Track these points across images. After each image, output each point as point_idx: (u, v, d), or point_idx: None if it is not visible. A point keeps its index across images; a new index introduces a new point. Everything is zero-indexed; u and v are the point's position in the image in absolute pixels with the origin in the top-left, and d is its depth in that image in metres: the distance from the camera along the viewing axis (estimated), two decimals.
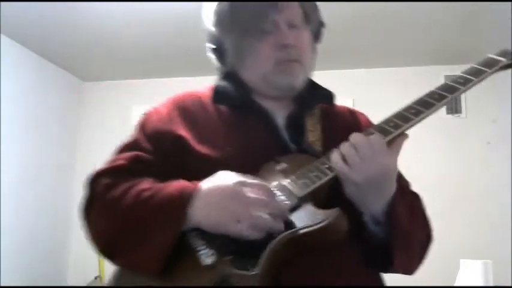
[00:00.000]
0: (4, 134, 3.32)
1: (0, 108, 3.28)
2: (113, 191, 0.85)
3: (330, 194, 0.83)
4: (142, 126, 0.97)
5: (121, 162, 0.91)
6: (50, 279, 3.70)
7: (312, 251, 0.75)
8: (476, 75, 0.89)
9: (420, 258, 0.94)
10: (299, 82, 0.99)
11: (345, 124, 0.86)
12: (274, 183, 0.82)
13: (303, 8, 0.99)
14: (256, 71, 0.99)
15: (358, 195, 0.81)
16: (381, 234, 0.85)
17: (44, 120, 3.79)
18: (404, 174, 1.00)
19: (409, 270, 0.93)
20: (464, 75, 0.90)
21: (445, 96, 0.86)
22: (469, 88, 0.88)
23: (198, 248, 0.74)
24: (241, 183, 0.77)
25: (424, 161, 3.25)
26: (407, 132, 0.85)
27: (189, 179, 0.83)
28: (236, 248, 0.73)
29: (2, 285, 3.15)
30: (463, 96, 3.67)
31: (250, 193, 0.76)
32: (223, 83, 1.02)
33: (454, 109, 3.58)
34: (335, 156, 0.81)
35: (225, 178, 0.79)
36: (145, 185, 0.84)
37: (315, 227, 0.71)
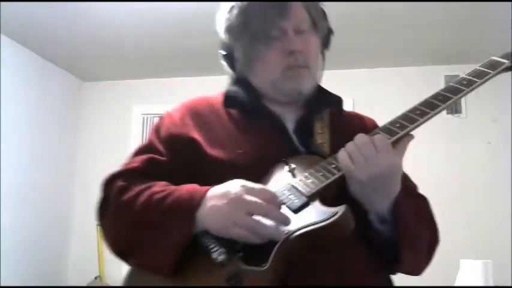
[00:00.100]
0: (4, 134, 3.32)
1: (0, 108, 3.28)
2: (126, 193, 0.88)
3: (337, 194, 0.84)
4: (156, 130, 1.01)
5: (135, 164, 0.94)
6: (50, 279, 3.70)
7: (320, 247, 0.76)
8: (480, 76, 0.91)
9: (427, 259, 0.95)
10: (307, 87, 1.01)
11: (352, 128, 0.88)
12: (283, 183, 0.84)
13: (310, 15, 1.01)
14: (265, 77, 1.02)
15: (363, 193, 0.83)
16: (387, 232, 0.86)
17: (44, 120, 3.79)
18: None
19: (417, 270, 0.94)
20: (468, 76, 0.91)
21: (450, 98, 0.88)
22: (472, 89, 0.90)
23: (210, 247, 0.76)
24: (244, 189, 0.79)
25: (424, 161, 3.25)
26: (412, 133, 0.86)
27: (201, 181, 0.86)
28: (246, 246, 0.75)
29: (2, 285, 3.15)
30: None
31: (251, 198, 0.77)
32: (234, 89, 1.05)
33: (454, 109, 3.58)
34: (341, 155, 0.83)
35: (230, 184, 0.81)
36: (158, 187, 0.87)
37: (324, 223, 0.73)
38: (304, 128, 0.99)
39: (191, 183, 0.87)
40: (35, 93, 3.71)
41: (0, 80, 3.29)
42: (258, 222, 0.75)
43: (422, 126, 0.89)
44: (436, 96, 0.89)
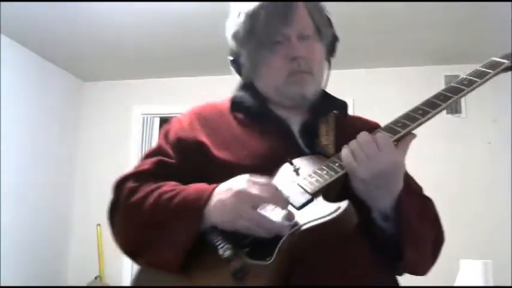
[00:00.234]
0: (4, 134, 3.32)
1: (0, 108, 3.28)
2: (136, 193, 0.91)
3: (341, 193, 0.85)
4: (165, 135, 1.04)
5: (145, 166, 0.97)
6: (50, 279, 3.70)
7: (324, 243, 0.77)
8: (480, 76, 0.92)
9: (432, 259, 0.96)
10: (310, 92, 1.03)
11: (356, 130, 0.90)
12: (288, 182, 0.86)
13: (314, 21, 1.04)
14: (269, 82, 1.05)
15: (365, 191, 0.84)
16: (390, 230, 0.88)
17: (44, 120, 3.79)
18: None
19: (421, 269, 0.95)
20: (469, 77, 0.93)
21: (450, 97, 0.90)
22: (473, 89, 0.91)
23: (217, 244, 0.78)
24: (249, 183, 0.81)
25: (424, 161, 3.25)
26: (415, 132, 0.88)
27: (209, 182, 0.88)
28: (252, 241, 0.78)
29: (2, 285, 3.15)
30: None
31: (256, 191, 0.80)
32: (240, 94, 1.08)
33: (454, 109, 3.58)
34: (344, 153, 0.84)
35: (236, 179, 0.84)
36: (167, 187, 0.90)
37: (327, 218, 0.74)
38: (309, 130, 1.01)
39: None
40: (35, 93, 3.71)
41: (0, 80, 3.29)
42: (262, 215, 0.77)
43: (423, 126, 0.89)
44: (437, 96, 0.91)
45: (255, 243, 0.78)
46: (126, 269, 3.73)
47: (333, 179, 0.83)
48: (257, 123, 1.02)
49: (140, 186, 0.92)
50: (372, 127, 1.07)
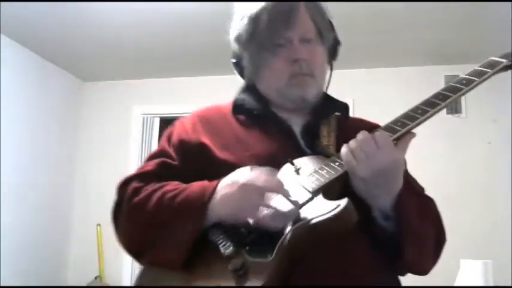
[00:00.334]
0: (4, 134, 3.32)
1: (0, 108, 3.28)
2: (139, 193, 0.92)
3: (342, 193, 0.85)
4: (168, 137, 1.06)
5: (148, 168, 0.99)
6: (50, 279, 3.70)
7: (324, 241, 0.78)
8: (479, 76, 0.93)
9: (434, 258, 0.96)
10: (312, 95, 1.05)
11: (357, 131, 0.90)
12: (288, 181, 0.87)
13: (316, 25, 1.05)
14: (271, 84, 1.06)
15: (365, 189, 0.85)
16: (390, 229, 0.88)
17: (44, 120, 3.79)
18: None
19: (423, 269, 0.96)
20: (467, 76, 0.94)
21: (449, 96, 0.90)
22: (472, 88, 0.92)
23: (218, 242, 0.80)
24: (251, 174, 0.84)
25: (424, 161, 3.25)
26: (414, 131, 0.88)
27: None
28: (253, 240, 0.79)
29: (2, 285, 3.15)
30: (463, 96, 3.65)
31: (259, 182, 0.82)
32: (242, 96, 1.10)
33: (454, 109, 3.58)
34: (343, 151, 0.85)
35: (238, 172, 0.86)
36: (170, 186, 0.91)
37: (327, 215, 0.75)
38: (311, 131, 1.02)
39: None
40: (35, 93, 3.71)
41: (0, 80, 3.29)
42: (268, 203, 0.80)
43: (423, 126, 0.90)
44: (436, 95, 0.92)
45: (256, 241, 0.79)
46: (126, 269, 3.73)
47: (333, 177, 0.84)
48: (259, 125, 1.03)
49: (144, 187, 0.93)
50: (372, 128, 1.07)
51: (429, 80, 3.52)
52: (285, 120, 1.04)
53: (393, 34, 3.24)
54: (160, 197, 0.89)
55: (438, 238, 0.96)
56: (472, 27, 3.08)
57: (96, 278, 3.73)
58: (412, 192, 0.92)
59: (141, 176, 0.97)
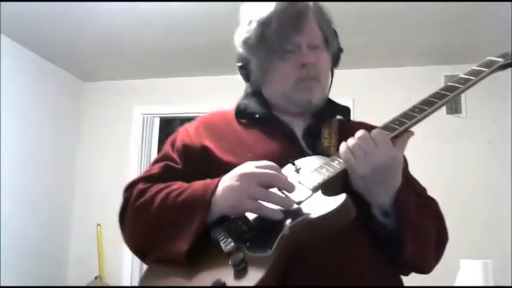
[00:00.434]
0: (4, 134, 3.32)
1: (0, 108, 3.28)
2: (144, 196, 0.95)
3: (341, 190, 0.86)
4: (172, 143, 1.09)
5: (154, 171, 1.02)
6: (50, 279, 3.71)
7: (324, 236, 0.79)
8: (476, 75, 0.94)
9: (436, 257, 0.97)
10: (317, 99, 1.07)
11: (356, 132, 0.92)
12: (290, 179, 0.88)
13: (323, 31, 1.08)
14: (277, 88, 1.09)
15: (364, 187, 0.86)
16: (390, 225, 0.89)
17: (44, 120, 3.79)
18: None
19: (424, 267, 0.96)
20: (465, 76, 0.95)
21: (446, 95, 0.91)
22: (469, 87, 0.93)
23: (220, 239, 0.82)
24: (252, 166, 0.86)
25: (423, 161, 3.25)
26: (412, 130, 0.89)
27: None
28: (253, 236, 0.81)
29: (2, 285, 3.15)
30: (463, 96, 3.66)
31: (260, 170, 0.84)
32: (245, 101, 1.13)
33: (454, 109, 3.58)
34: (342, 149, 0.87)
35: (240, 166, 0.88)
36: (174, 186, 0.94)
37: (326, 211, 0.76)
38: (312, 133, 1.04)
39: None
40: (35, 93, 3.71)
41: (0, 80, 3.29)
42: (268, 191, 0.82)
43: (423, 126, 0.90)
44: (434, 95, 0.93)
45: (256, 238, 0.80)
46: (126, 268, 3.74)
47: (332, 175, 0.85)
48: (261, 128, 1.06)
49: (149, 188, 0.96)
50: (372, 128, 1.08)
51: (429, 80, 3.52)
52: (287, 123, 1.06)
53: (393, 34, 3.24)
54: (165, 197, 0.91)
55: (439, 237, 0.97)
56: (472, 27, 3.08)
57: (96, 277, 3.73)
58: (412, 192, 0.93)
59: (147, 179, 1.00)
